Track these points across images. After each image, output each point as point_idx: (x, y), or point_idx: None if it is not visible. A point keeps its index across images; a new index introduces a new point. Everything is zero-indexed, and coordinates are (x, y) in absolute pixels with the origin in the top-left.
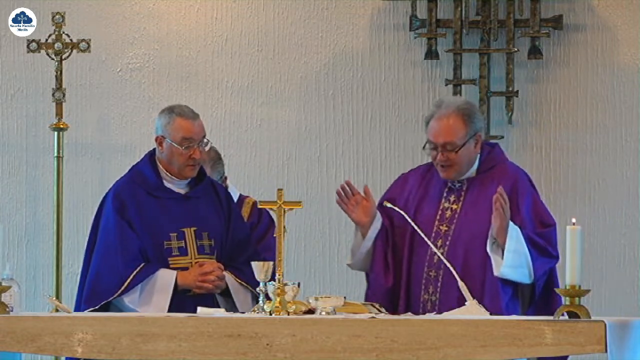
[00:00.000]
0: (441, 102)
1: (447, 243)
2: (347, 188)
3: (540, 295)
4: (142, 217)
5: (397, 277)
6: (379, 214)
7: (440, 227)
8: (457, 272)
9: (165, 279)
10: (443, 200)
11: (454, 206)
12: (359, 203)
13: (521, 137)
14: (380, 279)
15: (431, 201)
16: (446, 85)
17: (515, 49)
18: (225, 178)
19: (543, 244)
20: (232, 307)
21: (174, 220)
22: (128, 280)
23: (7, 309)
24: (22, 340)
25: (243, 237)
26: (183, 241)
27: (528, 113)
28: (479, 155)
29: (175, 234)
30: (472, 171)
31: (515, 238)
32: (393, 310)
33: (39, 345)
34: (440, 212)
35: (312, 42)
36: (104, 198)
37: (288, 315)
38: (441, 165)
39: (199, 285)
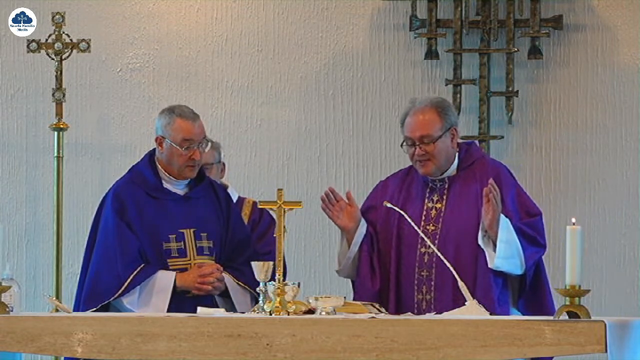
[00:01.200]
0: (414, 100)
1: (436, 242)
2: (331, 195)
3: (530, 285)
4: (141, 218)
5: (384, 280)
6: (363, 220)
7: (427, 227)
8: (456, 272)
9: (164, 281)
10: (426, 200)
11: (438, 205)
12: (343, 209)
13: (521, 137)
14: (367, 283)
15: (414, 202)
16: (446, 85)
17: (515, 49)
18: (224, 165)
19: (532, 233)
20: (231, 307)
21: (173, 221)
22: (127, 282)
23: (7, 309)
24: (22, 340)
25: (242, 238)
26: (182, 242)
27: (528, 113)
28: (457, 153)
29: (174, 235)
30: (453, 169)
31: (506, 229)
32: None
33: (39, 345)
34: (425, 212)
35: (312, 42)
36: (104, 198)
37: (288, 315)
38: (419, 161)
39: (198, 286)
